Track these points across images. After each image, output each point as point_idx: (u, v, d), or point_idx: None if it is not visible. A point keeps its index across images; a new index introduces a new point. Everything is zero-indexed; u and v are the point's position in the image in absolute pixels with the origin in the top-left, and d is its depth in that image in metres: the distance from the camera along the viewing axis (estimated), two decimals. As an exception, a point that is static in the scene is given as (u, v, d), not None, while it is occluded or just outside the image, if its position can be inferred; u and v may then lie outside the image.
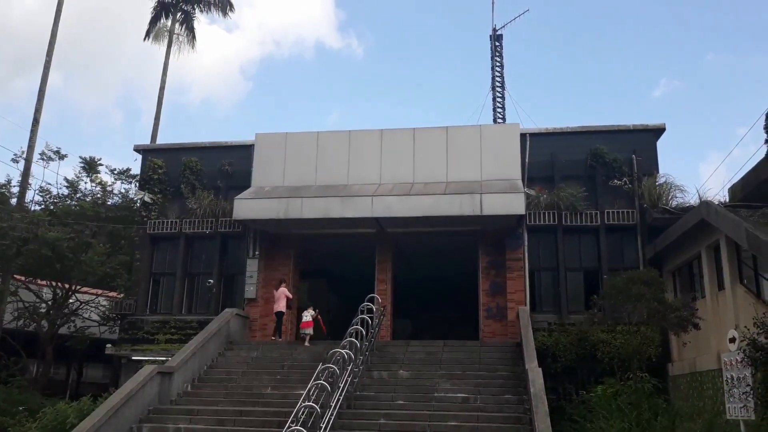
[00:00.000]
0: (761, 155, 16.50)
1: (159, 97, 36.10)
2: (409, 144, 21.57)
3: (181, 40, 38.29)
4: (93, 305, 27.39)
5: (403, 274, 23.54)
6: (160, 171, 23.89)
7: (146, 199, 23.52)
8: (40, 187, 27.28)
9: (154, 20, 37.96)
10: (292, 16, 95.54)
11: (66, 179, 26.93)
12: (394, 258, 22.25)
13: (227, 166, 23.43)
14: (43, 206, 26.89)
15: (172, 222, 23.29)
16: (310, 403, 13.14)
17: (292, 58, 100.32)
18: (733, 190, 19.44)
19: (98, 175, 27.19)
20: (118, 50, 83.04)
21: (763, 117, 16.73)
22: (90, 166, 26.99)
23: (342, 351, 15.05)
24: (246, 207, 20.96)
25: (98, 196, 26.85)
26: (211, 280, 22.46)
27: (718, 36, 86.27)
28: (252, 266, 21.91)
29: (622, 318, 17.21)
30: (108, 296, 27.52)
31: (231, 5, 38.85)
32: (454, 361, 17.75)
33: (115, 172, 27.24)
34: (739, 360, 12.34)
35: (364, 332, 16.84)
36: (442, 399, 15.53)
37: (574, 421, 15.65)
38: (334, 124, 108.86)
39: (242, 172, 22.80)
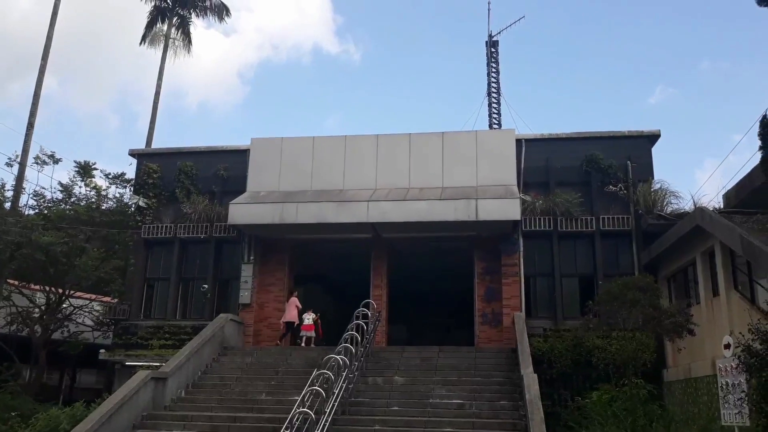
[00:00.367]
0: (756, 161, 16.51)
1: (154, 101, 36.13)
2: (405, 149, 21.56)
3: (177, 44, 38.36)
4: (87, 310, 27.25)
5: (399, 279, 23.50)
6: (155, 175, 23.83)
7: (141, 203, 23.47)
8: (35, 191, 27.28)
9: (150, 25, 38.02)
10: (290, 21, 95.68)
11: (60, 183, 26.89)
12: (390, 263, 22.22)
13: (222, 170, 23.38)
14: (37, 210, 26.82)
15: (166, 227, 23.23)
16: (305, 409, 13.10)
17: (290, 62, 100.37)
18: (727, 197, 19.46)
19: (93, 179, 27.11)
20: (114, 54, 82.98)
21: (758, 124, 16.73)
22: (84, 170, 26.91)
23: (337, 357, 15.00)
24: (241, 212, 20.91)
25: (93, 200, 26.76)
26: (206, 286, 22.39)
27: (713, 43, 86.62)
28: (247, 271, 21.85)
29: (618, 324, 17.21)
30: (102, 301, 27.38)
31: (227, 10, 38.93)
32: (450, 366, 17.71)
33: (110, 176, 27.18)
34: (734, 366, 12.33)
35: (359, 338, 16.80)
36: (438, 405, 15.48)
37: (569, 428, 15.61)
38: (332, 128, 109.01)
39: (237, 176, 22.73)
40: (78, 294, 26.84)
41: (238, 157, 23.16)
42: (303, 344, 20.25)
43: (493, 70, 37.79)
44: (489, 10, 38.82)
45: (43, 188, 27.82)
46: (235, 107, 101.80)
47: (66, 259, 23.72)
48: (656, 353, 17.33)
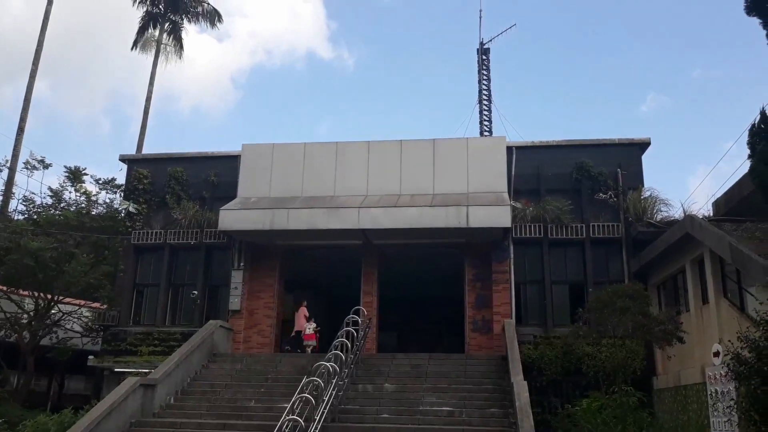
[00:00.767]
0: (745, 170, 16.59)
1: (145, 107, 36.10)
2: (396, 156, 21.57)
3: (168, 50, 38.30)
4: (75, 316, 27.05)
5: (389, 286, 23.45)
6: (145, 181, 23.77)
7: (131, 209, 23.38)
8: (24, 196, 27.07)
9: (142, 30, 38.00)
10: (284, 26, 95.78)
11: (50, 188, 26.73)
12: (380, 270, 22.19)
13: (213, 176, 23.34)
14: (26, 216, 26.64)
15: (156, 232, 23.15)
16: (294, 417, 13.06)
17: (283, 67, 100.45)
18: (717, 205, 19.55)
19: (83, 184, 26.98)
20: (106, 59, 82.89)
21: (747, 132, 16.81)
22: (75, 175, 26.78)
23: (327, 364, 14.96)
24: (232, 218, 20.86)
25: (83, 205, 26.63)
26: (195, 292, 22.31)
27: (704, 51, 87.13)
28: (237, 278, 21.79)
29: (608, 331, 17.23)
30: (91, 307, 27.23)
31: (219, 16, 38.95)
32: (440, 374, 17.70)
33: (100, 181, 27.06)
34: (723, 374, 12.37)
35: (349, 345, 16.76)
36: (428, 412, 15.46)
37: (559, 435, 15.64)
38: (324, 134, 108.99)
39: (228, 182, 22.69)
40: (67, 300, 26.65)
41: (229, 162, 23.12)
42: (310, 353, 20.42)
43: (484, 77, 37.93)
44: (480, 17, 38.94)
45: (33, 193, 27.82)
46: (228, 112, 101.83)
47: (55, 265, 23.57)
48: (646, 361, 17.38)
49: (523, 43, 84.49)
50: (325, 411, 14.17)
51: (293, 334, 21.58)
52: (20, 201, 27.17)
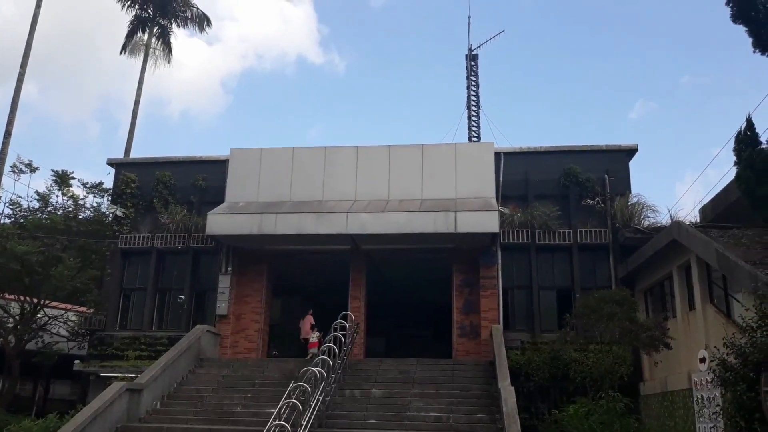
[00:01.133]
0: (732, 176, 16.72)
1: (134, 111, 35.92)
2: (385, 161, 21.58)
3: (157, 54, 38.18)
4: (62, 320, 26.93)
5: (377, 291, 23.47)
6: (133, 185, 23.67)
7: (118, 213, 23.28)
8: (11, 200, 26.93)
9: (131, 34, 37.86)
10: (275, 30, 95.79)
11: (37, 192, 26.63)
12: (368, 275, 22.18)
13: (201, 181, 23.27)
14: (12, 219, 26.50)
15: (144, 237, 23.05)
16: (281, 422, 13.01)
17: (274, 72, 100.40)
18: (704, 211, 19.66)
19: (70, 188, 26.88)
20: (96, 62, 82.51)
21: (734, 139, 16.93)
22: (62, 179, 26.66)
23: (314, 369, 14.92)
24: (219, 222, 20.80)
25: (70, 209, 26.51)
26: (183, 296, 22.22)
27: (693, 59, 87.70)
28: (224, 282, 21.72)
29: (595, 337, 17.26)
30: (77, 311, 27.06)
31: (208, 21, 38.86)
32: (427, 379, 17.68)
33: (88, 185, 26.96)
34: (709, 380, 12.41)
35: (336, 350, 16.73)
36: (415, 418, 15.44)
37: (546, 441, 15.65)
38: (315, 139, 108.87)
39: (216, 187, 22.64)
40: (53, 304, 26.53)
41: (217, 167, 23.06)
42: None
43: (473, 83, 38.02)
44: (469, 24, 39.21)
45: (20, 197, 27.50)
46: (218, 116, 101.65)
47: (41, 269, 23.44)
48: (633, 367, 17.42)
49: (512, 50, 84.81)
50: (312, 416, 14.13)
51: (302, 339, 21.51)
52: (7, 204, 27.08)
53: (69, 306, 27.20)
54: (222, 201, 21.77)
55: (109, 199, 24.90)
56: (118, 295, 23.03)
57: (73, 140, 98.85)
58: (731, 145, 16.25)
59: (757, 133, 15.46)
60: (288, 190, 21.62)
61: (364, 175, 21.50)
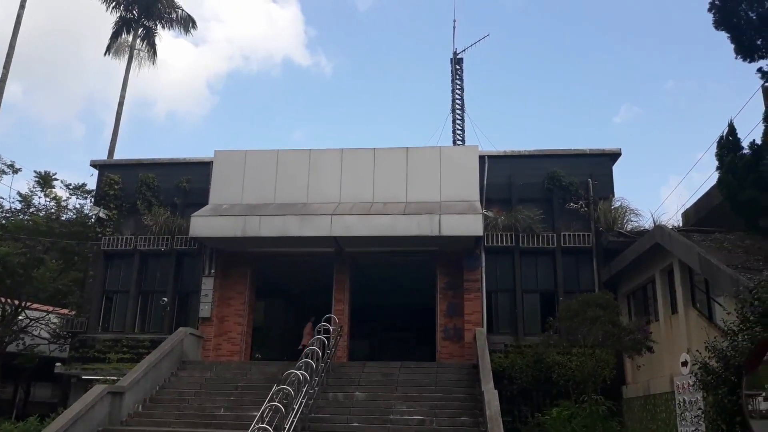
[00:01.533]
0: (715, 181, 16.81)
1: (117, 112, 35.70)
2: (370, 164, 21.56)
3: (142, 55, 38.01)
4: (43, 322, 26.75)
5: (362, 294, 23.44)
6: (116, 187, 23.49)
7: (101, 215, 23.11)
8: (-8, 201, 26.71)
9: (116, 35, 37.66)
10: (262, 32, 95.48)
11: (19, 193, 26.49)
12: (353, 278, 22.15)
13: (185, 182, 23.15)
14: (-6, 221, 26.30)
15: (126, 239, 22.90)
16: (264, 425, 12.95)
17: (260, 73, 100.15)
18: (686, 215, 19.77)
19: (53, 189, 26.71)
20: (80, 63, 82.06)
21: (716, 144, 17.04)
22: (44, 180, 26.51)
23: (297, 372, 14.86)
24: (203, 224, 20.70)
25: (52, 211, 26.35)
26: (165, 299, 22.09)
27: (677, 63, 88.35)
28: (207, 285, 21.60)
29: (578, 340, 17.28)
30: (59, 313, 26.90)
31: (193, 23, 38.72)
32: (411, 382, 17.67)
33: (71, 187, 26.82)
34: (691, 383, 12.47)
35: (320, 353, 16.68)
36: (398, 421, 15.42)
37: (529, 444, 15.67)
38: (300, 141, 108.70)
39: (200, 189, 22.53)
40: (35, 306, 26.34)
41: (201, 169, 22.97)
42: None
43: (458, 86, 38.02)
44: (454, 27, 39.11)
45: (2, 198, 27.49)
46: (204, 118, 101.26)
47: (23, 271, 23.27)
48: (616, 370, 17.46)
49: (497, 54, 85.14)
50: (295, 420, 14.06)
51: (300, 347, 21.33)
52: (-12, 206, 26.83)
53: (51, 308, 27.03)
54: (206, 203, 21.66)
55: (92, 200, 24.74)
56: (100, 298, 22.85)
57: (58, 141, 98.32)
58: (714, 149, 16.35)
59: (739, 139, 15.55)
60: (272, 192, 21.55)
61: (348, 178, 21.47)
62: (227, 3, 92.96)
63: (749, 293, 10.80)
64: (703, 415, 11.73)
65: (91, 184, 25.44)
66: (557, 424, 15.49)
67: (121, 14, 37.48)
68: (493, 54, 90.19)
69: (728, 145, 15.38)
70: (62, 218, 26.41)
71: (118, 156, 33.91)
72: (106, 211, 23.15)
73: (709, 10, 16.18)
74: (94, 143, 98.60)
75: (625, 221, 20.79)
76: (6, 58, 30.57)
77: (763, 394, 8.93)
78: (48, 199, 26.59)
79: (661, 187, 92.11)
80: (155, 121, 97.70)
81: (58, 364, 22.66)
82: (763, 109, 15.27)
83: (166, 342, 19.18)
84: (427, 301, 22.41)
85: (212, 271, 21.68)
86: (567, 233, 21.08)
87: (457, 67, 38.12)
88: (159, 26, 38.49)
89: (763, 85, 15.89)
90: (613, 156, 22.14)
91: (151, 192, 23.26)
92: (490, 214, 21.10)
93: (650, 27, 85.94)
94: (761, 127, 14.89)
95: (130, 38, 37.56)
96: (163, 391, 17.83)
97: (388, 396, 16.79)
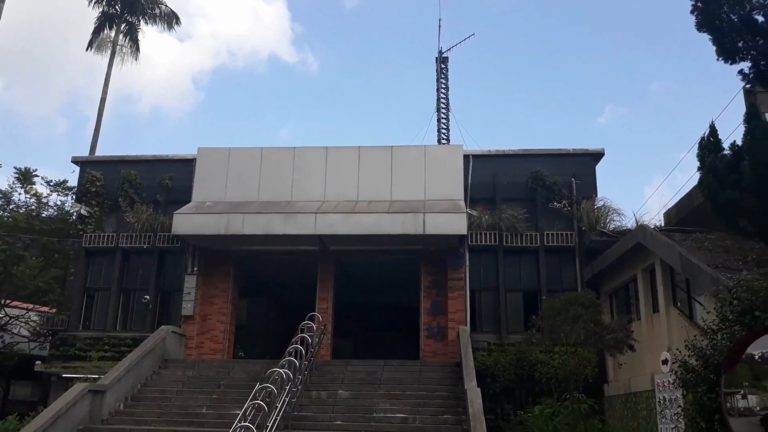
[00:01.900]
0: (696, 181, 16.97)
1: (99, 108, 35.41)
2: (354, 162, 21.55)
3: (125, 51, 37.73)
4: (23, 320, 26.51)
5: (345, 292, 23.43)
6: (98, 183, 23.31)
7: (83, 212, 22.93)
8: (-29, 198, 26.41)
9: (98, 31, 37.35)
10: (247, 28, 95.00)
11: (-1, 190, 26.14)
12: (337, 276, 22.13)
13: (167, 180, 23.01)
14: (-27, 217, 26.02)
15: (108, 236, 22.73)
16: (247, 424, 12.91)
17: (246, 69, 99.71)
18: (668, 215, 19.94)
19: (33, 186, 26.46)
20: (63, 58, 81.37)
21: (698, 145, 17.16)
22: (25, 176, 26.26)
23: (280, 370, 14.83)
24: (186, 222, 20.58)
25: (33, 207, 26.11)
26: (147, 296, 21.97)
27: (663, 64, 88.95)
28: (190, 283, 21.49)
29: (560, 339, 17.36)
30: (39, 311, 26.66)
31: (177, 19, 38.48)
32: (394, 380, 17.68)
33: (51, 183, 26.57)
34: (671, 382, 12.57)
35: (303, 351, 16.65)
36: (381, 419, 15.43)
37: (511, 442, 15.73)
38: (286, 138, 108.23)
39: (183, 186, 22.41)
40: (14, 303, 26.10)
41: (184, 166, 22.85)
42: None
43: (443, 86, 38.13)
44: (440, 26, 39.33)
45: (-19, 195, 27.01)
46: (189, 113, 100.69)
47: (3, 268, 23.08)
48: (598, 368, 17.55)
49: (482, 53, 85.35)
50: (278, 418, 14.02)
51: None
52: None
53: (31, 306, 26.78)
54: (189, 200, 21.55)
55: (74, 197, 24.52)
56: (81, 295, 22.66)
57: (40, 137, 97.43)
58: (696, 150, 16.46)
59: (720, 140, 15.65)
60: (256, 190, 21.48)
61: (333, 176, 21.44)
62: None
63: (729, 292, 10.91)
64: (682, 413, 11.82)
65: (73, 181, 25.22)
66: (539, 422, 15.55)
67: (103, 9, 37.18)
68: (479, 53, 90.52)
69: (709, 146, 15.46)
70: (43, 215, 26.17)
71: (100, 152, 33.61)
72: (87, 208, 22.97)
73: (692, 12, 16.25)
74: (77, 139, 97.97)
75: (607, 221, 20.92)
76: (-13, 53, 30.29)
77: (742, 392, 9.01)
78: (28, 196, 26.35)
79: (645, 187, 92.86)
80: (140, 117, 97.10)
81: (38, 362, 22.48)
82: (744, 110, 15.39)
83: (148, 340, 19.08)
84: (411, 300, 22.43)
85: (195, 269, 21.59)
86: (550, 232, 21.19)
87: (443, 66, 38.23)
88: (142, 22, 38.22)
89: (744, 87, 16.02)
90: (597, 156, 22.28)
91: (133, 189, 23.09)
92: (474, 213, 21.16)
93: (636, 28, 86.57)
94: (742, 128, 15.01)
95: (113, 34, 37.28)
96: (145, 389, 17.74)
97: (371, 394, 16.79)
